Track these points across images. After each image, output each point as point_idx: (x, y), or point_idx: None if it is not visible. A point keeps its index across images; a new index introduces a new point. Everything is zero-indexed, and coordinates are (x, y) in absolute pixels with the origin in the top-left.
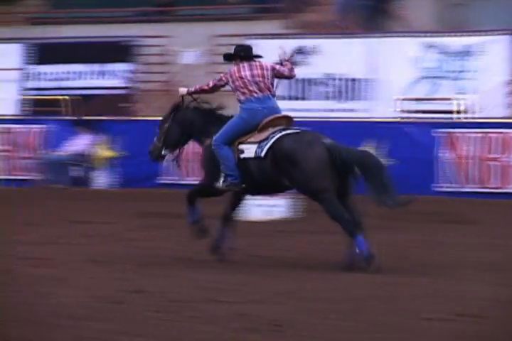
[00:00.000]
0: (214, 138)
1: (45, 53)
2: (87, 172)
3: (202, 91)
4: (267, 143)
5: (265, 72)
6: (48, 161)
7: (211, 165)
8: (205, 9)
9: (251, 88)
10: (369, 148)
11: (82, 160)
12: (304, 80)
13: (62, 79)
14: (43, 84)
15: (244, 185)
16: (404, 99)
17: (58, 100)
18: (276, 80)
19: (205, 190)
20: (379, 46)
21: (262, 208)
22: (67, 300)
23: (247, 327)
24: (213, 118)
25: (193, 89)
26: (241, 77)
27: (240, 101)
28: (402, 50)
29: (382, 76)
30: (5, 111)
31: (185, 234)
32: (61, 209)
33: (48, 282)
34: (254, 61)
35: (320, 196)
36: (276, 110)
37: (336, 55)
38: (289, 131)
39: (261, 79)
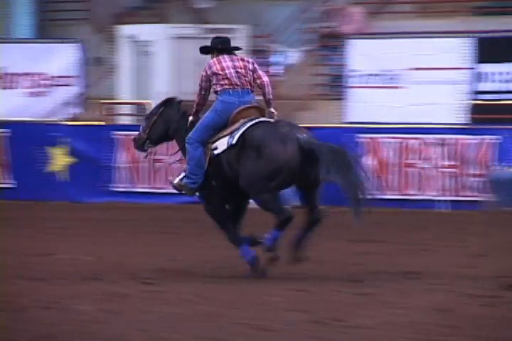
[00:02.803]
0: (188, 134)
1: (496, 49)
2: None
3: (199, 105)
4: (238, 131)
5: (247, 64)
6: (499, 179)
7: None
8: None
9: (232, 80)
10: None
11: None
12: None
13: None
14: (495, 86)
15: (197, 194)
16: None
17: None
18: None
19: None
20: None
21: None
22: None
23: None
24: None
25: (194, 110)
26: (222, 68)
27: (216, 92)
28: None
29: None
30: (446, 119)
31: None
32: None
33: None
34: (234, 54)
35: (259, 195)
36: None
37: None
38: (262, 119)
39: (243, 71)
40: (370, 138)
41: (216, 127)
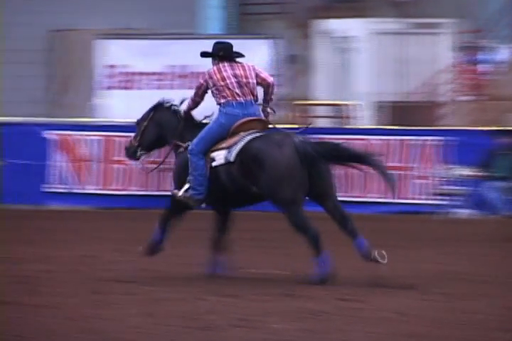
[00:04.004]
0: (191, 145)
1: None
2: None
3: (190, 108)
4: (236, 147)
5: (248, 72)
6: None
7: (184, 175)
8: None
9: (234, 91)
10: None
11: None
12: None
13: None
14: None
15: (203, 205)
16: None
17: None
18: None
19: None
20: None
21: None
22: None
23: None
24: (190, 124)
25: (186, 110)
26: (223, 78)
27: (219, 104)
28: None
29: None
30: None
31: None
32: None
33: None
34: (235, 61)
35: (285, 207)
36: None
37: None
38: (259, 134)
39: (244, 80)
40: None
41: (219, 139)
